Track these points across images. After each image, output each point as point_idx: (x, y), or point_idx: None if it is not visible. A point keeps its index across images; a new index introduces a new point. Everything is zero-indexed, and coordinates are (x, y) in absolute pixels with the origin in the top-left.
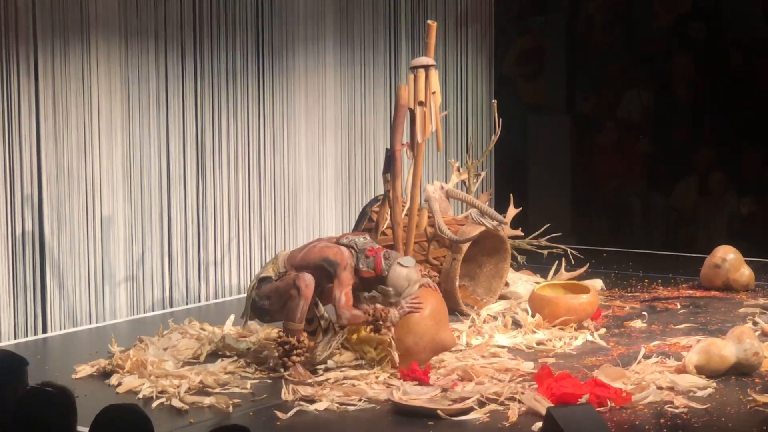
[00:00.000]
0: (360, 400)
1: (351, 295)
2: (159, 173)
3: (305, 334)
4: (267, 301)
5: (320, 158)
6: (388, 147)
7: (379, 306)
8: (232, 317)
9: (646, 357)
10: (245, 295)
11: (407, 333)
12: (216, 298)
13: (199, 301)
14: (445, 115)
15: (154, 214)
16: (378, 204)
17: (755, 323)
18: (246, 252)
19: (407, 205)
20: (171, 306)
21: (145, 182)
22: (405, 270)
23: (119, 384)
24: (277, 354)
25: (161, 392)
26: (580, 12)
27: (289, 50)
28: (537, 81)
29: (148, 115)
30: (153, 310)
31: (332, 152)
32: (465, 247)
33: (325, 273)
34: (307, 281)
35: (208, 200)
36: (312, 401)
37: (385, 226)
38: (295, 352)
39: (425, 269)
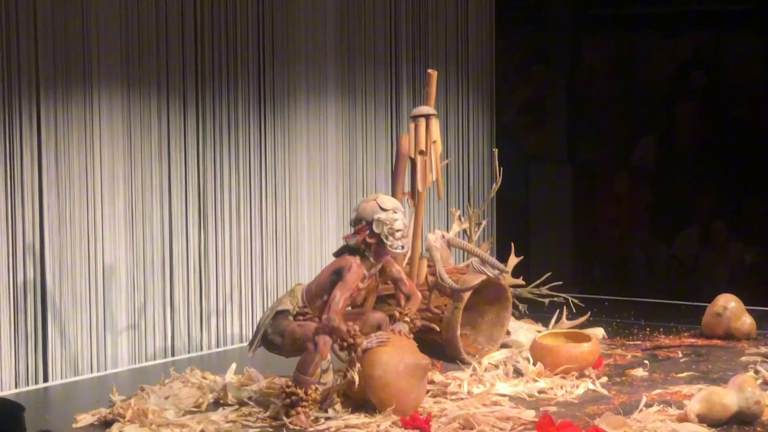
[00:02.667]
0: None
1: (347, 303)
2: (161, 222)
3: (314, 387)
4: (280, 338)
5: (322, 207)
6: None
7: (357, 328)
8: (233, 366)
9: (648, 405)
10: (257, 328)
11: (373, 366)
12: (218, 347)
13: (201, 350)
14: (446, 164)
15: (156, 263)
16: None
17: (757, 372)
18: (248, 301)
19: (408, 254)
20: (173, 355)
21: (147, 231)
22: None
23: None
24: (281, 403)
25: None
26: (580, 61)
27: (290, 99)
28: (538, 130)
29: (150, 165)
30: (155, 359)
31: (334, 201)
32: (466, 295)
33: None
34: (327, 340)
35: (210, 249)
36: None
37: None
38: (301, 404)
39: (401, 314)
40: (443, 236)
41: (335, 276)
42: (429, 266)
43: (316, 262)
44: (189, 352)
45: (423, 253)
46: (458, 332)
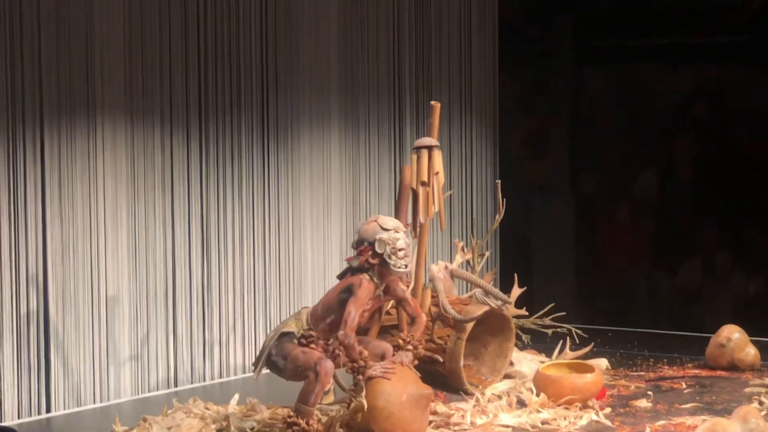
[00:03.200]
0: None
1: (360, 319)
2: (164, 253)
3: (316, 418)
4: (283, 361)
5: (325, 238)
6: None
7: (366, 354)
8: (236, 396)
9: None
10: (262, 348)
11: (376, 396)
12: (221, 378)
13: (204, 381)
14: (449, 196)
15: (159, 294)
16: None
17: (761, 403)
18: (251, 332)
19: (411, 285)
20: (176, 385)
21: (150, 262)
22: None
23: None
24: None
25: None
26: (583, 94)
27: (293, 130)
28: (541, 161)
29: (153, 196)
30: (157, 390)
31: (337, 232)
32: (469, 326)
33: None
34: (328, 369)
35: (213, 280)
36: None
37: (389, 306)
38: None
39: (404, 341)
40: (446, 267)
41: (345, 294)
42: (432, 297)
43: (319, 292)
44: (192, 383)
45: (426, 284)
46: (461, 363)
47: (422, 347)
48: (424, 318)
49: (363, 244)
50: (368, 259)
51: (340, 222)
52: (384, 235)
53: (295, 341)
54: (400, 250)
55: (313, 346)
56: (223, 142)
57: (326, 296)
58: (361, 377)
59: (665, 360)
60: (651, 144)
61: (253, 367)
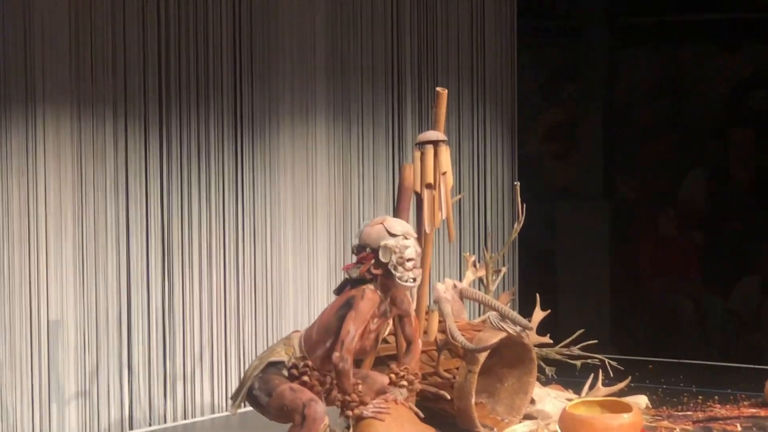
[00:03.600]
0: None
1: (361, 339)
2: (117, 269)
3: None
4: (267, 397)
5: (310, 251)
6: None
7: (362, 388)
8: None
9: None
10: (243, 379)
11: None
12: (185, 419)
13: (165, 422)
14: (459, 200)
15: (111, 318)
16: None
17: None
18: (220, 364)
19: (413, 307)
20: (131, 427)
21: (101, 280)
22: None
23: None
24: None
25: None
26: (619, 79)
27: (272, 122)
28: (568, 160)
29: (104, 200)
30: None
31: (324, 244)
32: (482, 357)
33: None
34: (318, 414)
35: (176, 302)
36: None
37: (386, 332)
38: None
39: (397, 375)
40: (455, 286)
41: (345, 310)
42: (438, 322)
43: (303, 316)
44: (150, 425)
45: (431, 307)
46: (473, 400)
47: (418, 381)
48: (419, 344)
49: (365, 250)
50: (370, 268)
51: (328, 232)
52: (390, 242)
53: (285, 372)
54: (408, 260)
55: (306, 378)
56: (187, 137)
57: (322, 316)
58: (350, 414)
59: (717, 397)
60: (700, 139)
61: (231, 401)
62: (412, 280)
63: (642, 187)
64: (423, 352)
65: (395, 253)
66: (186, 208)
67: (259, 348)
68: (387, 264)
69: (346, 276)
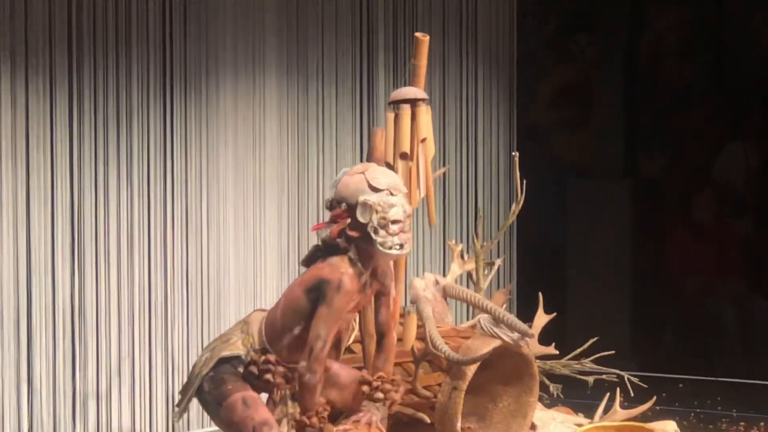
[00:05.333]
0: None
1: (333, 342)
2: (14, 261)
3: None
4: (218, 406)
5: (256, 239)
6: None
7: (326, 410)
8: None
9: None
10: (189, 376)
11: None
12: None
13: None
14: (443, 174)
15: (7, 323)
16: None
17: None
18: (143, 377)
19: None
20: None
21: None
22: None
23: None
24: None
25: None
26: (644, 30)
27: (210, 79)
28: (580, 131)
29: None
30: None
31: (274, 230)
32: (471, 370)
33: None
34: None
35: (88, 301)
36: None
37: (351, 340)
38: None
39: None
40: (437, 283)
41: (316, 293)
42: (417, 327)
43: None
44: None
45: (407, 308)
46: (458, 425)
47: (399, 392)
48: (394, 338)
49: (340, 206)
50: (345, 230)
51: (279, 216)
52: (372, 198)
53: (240, 370)
54: (394, 222)
55: (269, 377)
56: (104, 95)
57: (287, 294)
58: None
59: (763, 424)
60: (740, 107)
61: (176, 407)
62: (397, 247)
63: (671, 164)
64: (397, 364)
65: (377, 212)
66: (101, 184)
67: (192, 359)
68: (366, 225)
69: (318, 240)
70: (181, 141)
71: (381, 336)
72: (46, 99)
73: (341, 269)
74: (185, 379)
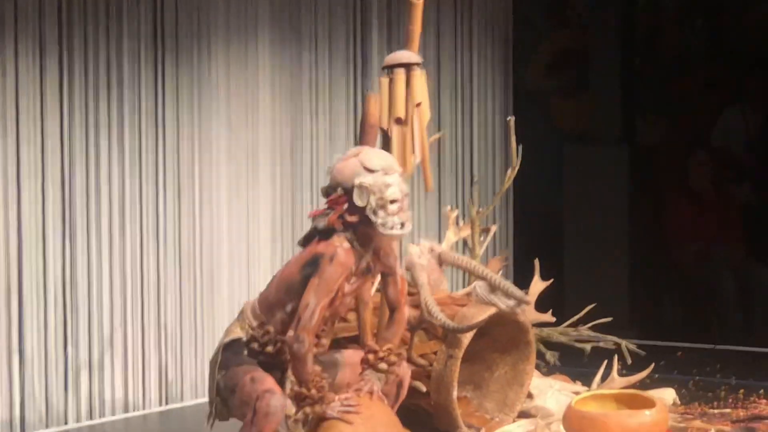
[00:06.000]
0: None
1: (324, 314)
2: (4, 231)
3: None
4: (232, 395)
5: (250, 208)
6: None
7: (323, 380)
8: None
9: None
10: (210, 376)
11: None
12: (90, 419)
13: (65, 423)
14: (438, 139)
15: None
16: None
17: None
18: (136, 349)
19: (379, 277)
20: (22, 430)
21: None
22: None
23: None
24: None
25: None
26: None
27: (202, 45)
28: (578, 96)
29: None
30: None
31: (267, 199)
32: (467, 338)
33: None
34: (272, 408)
35: (79, 271)
36: None
37: (374, 290)
38: None
39: (376, 356)
40: (432, 249)
41: (311, 269)
42: (411, 294)
43: (241, 290)
44: (47, 426)
45: (403, 274)
46: (454, 394)
47: (400, 367)
48: (405, 313)
49: (336, 191)
50: (343, 215)
51: (273, 184)
52: (368, 180)
53: (245, 353)
54: (392, 202)
55: (270, 348)
56: (95, 62)
57: (283, 272)
58: (308, 411)
59: (762, 391)
60: (739, 72)
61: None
62: (399, 226)
63: (669, 130)
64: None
65: (374, 193)
66: (92, 152)
67: (185, 330)
68: (364, 208)
69: (314, 226)
70: (173, 109)
71: (392, 310)
72: (35, 67)
73: (336, 243)
74: (178, 351)
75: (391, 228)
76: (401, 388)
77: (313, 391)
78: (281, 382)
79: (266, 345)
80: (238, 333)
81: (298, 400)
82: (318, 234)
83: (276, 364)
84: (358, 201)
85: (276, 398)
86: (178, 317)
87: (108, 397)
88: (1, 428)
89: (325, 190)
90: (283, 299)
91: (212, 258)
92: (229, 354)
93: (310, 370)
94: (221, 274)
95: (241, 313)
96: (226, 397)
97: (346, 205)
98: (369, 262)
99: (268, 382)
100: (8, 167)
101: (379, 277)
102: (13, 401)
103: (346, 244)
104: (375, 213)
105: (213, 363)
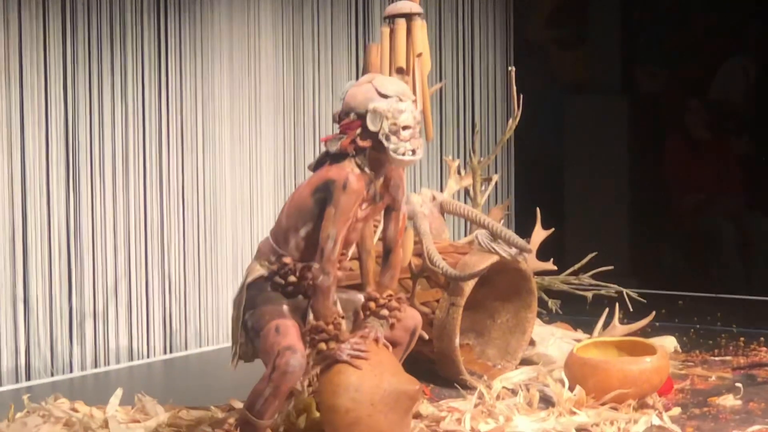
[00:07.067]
0: None
1: (344, 243)
2: (8, 181)
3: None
4: (258, 338)
5: (252, 156)
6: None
7: (343, 319)
8: (119, 393)
9: None
10: (234, 319)
11: (337, 392)
12: (95, 367)
13: (71, 371)
14: (439, 89)
15: (1, 242)
16: None
17: None
18: (140, 298)
19: (381, 225)
20: (28, 378)
21: None
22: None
23: None
24: None
25: None
26: None
27: None
28: (577, 46)
29: None
30: (1, 385)
31: (270, 148)
32: (469, 286)
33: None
34: (290, 367)
35: (83, 221)
36: None
37: (349, 256)
38: None
39: (377, 303)
40: (434, 198)
41: (323, 193)
42: (414, 243)
43: (244, 238)
44: (52, 375)
45: (407, 224)
46: (457, 341)
47: (401, 310)
48: (400, 255)
49: (349, 116)
50: (356, 139)
51: (275, 133)
52: (381, 105)
53: (269, 289)
54: (404, 128)
55: (292, 278)
56: (98, 14)
57: (293, 198)
58: (323, 347)
59: (762, 339)
60: (743, 21)
61: (232, 361)
62: (410, 153)
63: (669, 80)
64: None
65: (387, 118)
66: (96, 102)
67: (189, 279)
68: (377, 133)
69: (326, 150)
70: (176, 60)
71: (388, 251)
72: (38, 19)
73: (347, 169)
74: (181, 300)
75: (403, 154)
76: (413, 336)
77: (330, 327)
78: (307, 311)
79: (287, 275)
80: (259, 270)
81: (314, 333)
82: (329, 158)
83: (300, 290)
84: (372, 126)
85: (295, 357)
86: (182, 267)
87: (112, 345)
88: (8, 376)
89: (337, 115)
90: (296, 224)
91: (215, 208)
92: (253, 292)
93: (331, 305)
94: (224, 224)
95: (258, 251)
96: (252, 338)
97: (359, 130)
98: (377, 190)
99: (291, 335)
100: (12, 117)
101: (380, 228)
102: (18, 350)
103: (357, 170)
104: (387, 138)
105: (237, 303)
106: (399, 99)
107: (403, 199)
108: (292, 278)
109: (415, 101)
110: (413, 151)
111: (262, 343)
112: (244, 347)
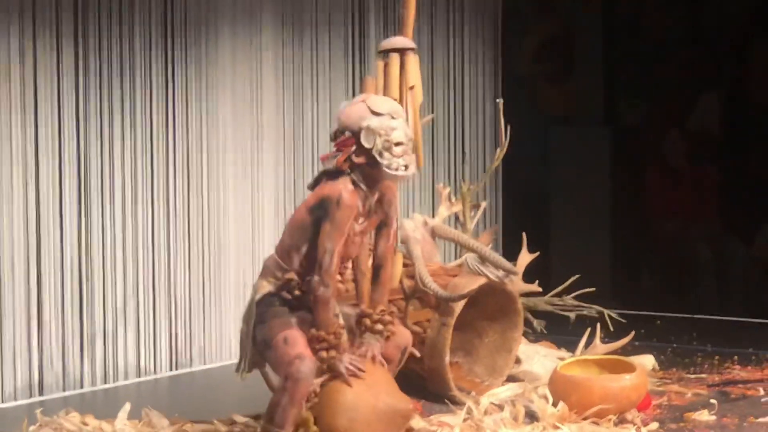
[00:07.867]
0: None
1: (341, 256)
2: (23, 206)
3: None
4: (269, 351)
5: (254, 185)
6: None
7: (343, 329)
8: (127, 407)
9: None
10: (242, 333)
11: (335, 411)
12: (105, 383)
13: (81, 387)
14: (430, 120)
15: (17, 264)
16: None
17: None
18: (148, 317)
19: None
20: (41, 393)
21: (5, 218)
22: None
23: None
24: None
25: None
26: None
27: (209, 30)
28: (563, 80)
29: (8, 123)
30: (15, 399)
31: (271, 176)
32: (458, 307)
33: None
34: (302, 374)
35: (94, 244)
36: None
37: (349, 268)
38: None
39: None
40: (426, 223)
41: (320, 212)
42: (406, 265)
43: (246, 262)
44: (64, 390)
45: (398, 247)
46: (447, 359)
47: (394, 325)
48: (390, 272)
49: (344, 134)
50: (351, 156)
51: (276, 162)
52: (374, 122)
53: (277, 305)
54: (397, 144)
55: (298, 292)
56: (108, 47)
57: (294, 217)
58: (324, 356)
59: (736, 357)
60: (719, 57)
61: (238, 371)
62: (403, 168)
63: (649, 112)
64: (389, 302)
65: (380, 135)
66: (106, 133)
67: (194, 300)
68: (371, 150)
69: (323, 169)
70: (182, 92)
71: (378, 268)
72: (51, 53)
73: (340, 186)
74: (186, 319)
75: (396, 169)
76: (404, 354)
77: (331, 336)
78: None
79: (293, 290)
80: (267, 287)
81: (315, 343)
82: (325, 176)
83: (305, 303)
84: (365, 143)
85: (305, 364)
86: (187, 288)
87: (121, 362)
88: (22, 391)
89: (333, 133)
90: (297, 242)
91: (219, 231)
92: (262, 308)
93: (331, 315)
94: (227, 247)
95: (264, 268)
96: (262, 350)
97: (353, 147)
98: (372, 206)
99: (299, 344)
100: (27, 147)
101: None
102: (32, 366)
103: (350, 186)
104: (381, 154)
105: (247, 319)
106: (391, 117)
107: (395, 216)
108: (297, 293)
109: (405, 118)
110: (406, 167)
111: (273, 355)
112: (252, 359)
